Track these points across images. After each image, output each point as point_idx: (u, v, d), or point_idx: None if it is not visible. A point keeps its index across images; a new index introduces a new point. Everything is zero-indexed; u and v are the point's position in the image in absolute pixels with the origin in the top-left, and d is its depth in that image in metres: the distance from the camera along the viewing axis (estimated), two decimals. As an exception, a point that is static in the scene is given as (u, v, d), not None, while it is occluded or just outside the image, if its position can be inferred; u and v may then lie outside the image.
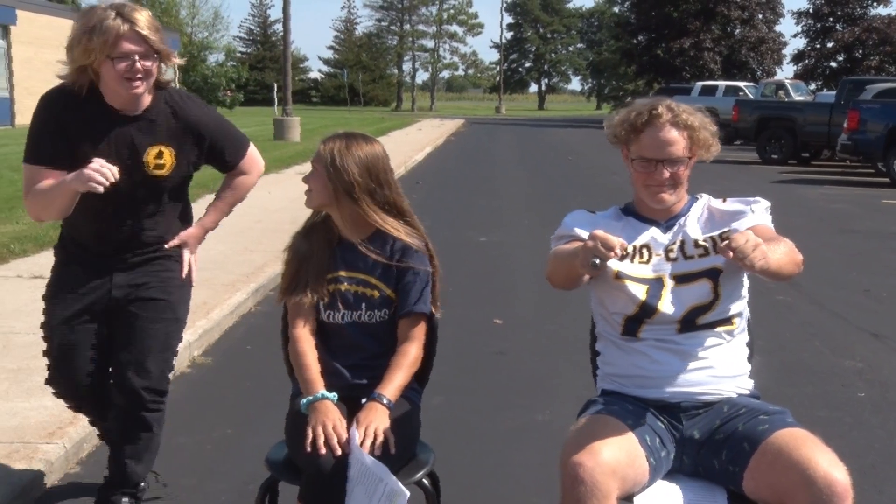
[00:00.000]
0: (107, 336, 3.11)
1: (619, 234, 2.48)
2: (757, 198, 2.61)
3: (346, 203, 2.65)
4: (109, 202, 2.89)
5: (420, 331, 2.71)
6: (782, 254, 2.37)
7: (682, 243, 2.53)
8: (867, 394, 4.89)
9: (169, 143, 2.95)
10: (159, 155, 2.93)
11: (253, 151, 3.25)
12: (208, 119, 3.08)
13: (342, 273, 2.70)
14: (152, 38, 2.77)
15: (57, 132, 2.86)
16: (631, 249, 2.50)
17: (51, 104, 2.90)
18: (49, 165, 2.86)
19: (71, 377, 3.12)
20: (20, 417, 3.97)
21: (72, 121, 2.86)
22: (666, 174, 2.49)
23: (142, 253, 3.06)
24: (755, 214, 2.54)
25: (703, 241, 2.52)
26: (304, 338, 2.67)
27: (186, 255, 3.20)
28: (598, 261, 2.19)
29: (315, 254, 2.71)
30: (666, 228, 2.56)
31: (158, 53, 2.81)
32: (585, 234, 2.52)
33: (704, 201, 2.63)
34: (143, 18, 2.77)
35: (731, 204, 2.59)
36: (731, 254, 2.19)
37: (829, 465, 2.16)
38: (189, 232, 3.20)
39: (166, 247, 3.11)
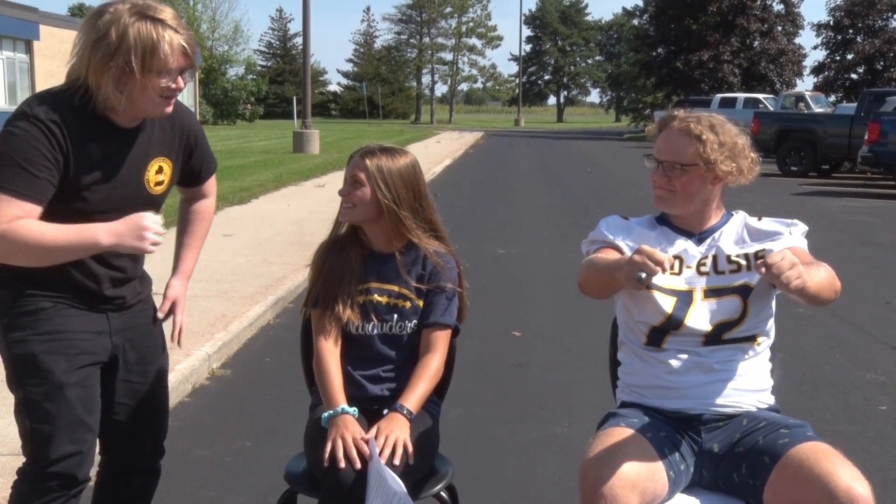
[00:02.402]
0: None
1: (652, 243, 2.48)
2: (795, 220, 2.60)
3: (389, 218, 2.67)
4: None
5: (443, 343, 2.71)
6: (822, 278, 2.34)
7: (714, 258, 2.52)
8: (889, 407, 4.84)
9: (167, 156, 2.53)
10: (159, 170, 2.51)
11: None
12: (196, 125, 2.67)
13: (374, 284, 2.70)
14: (193, 51, 2.37)
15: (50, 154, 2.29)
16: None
17: (52, 117, 2.31)
18: (34, 198, 2.27)
19: (85, 444, 2.46)
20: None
21: (70, 138, 2.33)
22: (663, 177, 2.49)
23: (132, 289, 2.58)
24: (792, 236, 2.53)
25: (737, 257, 2.50)
26: (329, 350, 2.67)
27: (180, 317, 2.73)
28: (644, 275, 2.16)
29: (346, 265, 2.71)
30: (699, 241, 2.55)
31: (194, 66, 2.41)
32: (620, 241, 2.53)
33: (741, 218, 2.61)
34: (184, 29, 2.34)
35: (767, 223, 2.58)
36: (764, 270, 2.16)
37: (850, 480, 2.14)
38: (176, 289, 2.74)
39: (159, 315, 2.68)
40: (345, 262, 2.71)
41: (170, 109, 2.40)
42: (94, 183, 2.35)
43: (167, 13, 2.30)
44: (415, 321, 2.70)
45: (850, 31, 44.67)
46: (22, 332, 2.39)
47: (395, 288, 2.70)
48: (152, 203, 2.50)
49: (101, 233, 2.29)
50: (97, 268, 2.44)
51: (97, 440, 2.53)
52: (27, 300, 2.39)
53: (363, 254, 2.73)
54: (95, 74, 2.27)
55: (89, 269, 2.43)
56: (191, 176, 2.71)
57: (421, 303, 2.70)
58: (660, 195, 2.53)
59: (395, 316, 2.69)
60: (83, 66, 2.30)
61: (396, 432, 2.47)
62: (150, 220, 2.30)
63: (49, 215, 2.30)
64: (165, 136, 2.52)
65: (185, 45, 2.31)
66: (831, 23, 45.15)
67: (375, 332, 2.69)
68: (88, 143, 2.32)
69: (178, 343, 2.73)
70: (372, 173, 2.65)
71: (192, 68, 2.37)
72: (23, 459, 2.50)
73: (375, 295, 2.69)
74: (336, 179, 16.93)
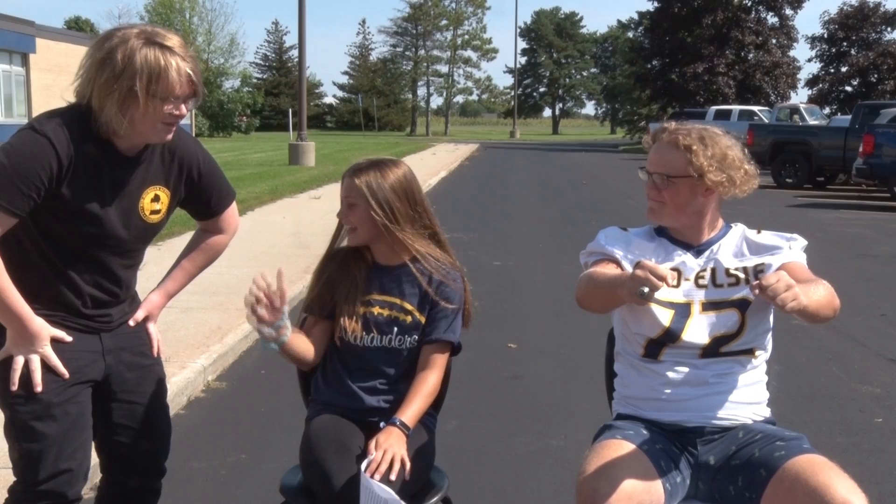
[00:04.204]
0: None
1: (651, 255, 2.49)
2: (795, 235, 2.60)
3: (390, 233, 2.66)
4: (104, 254, 2.43)
5: (442, 360, 2.70)
6: (820, 297, 2.33)
7: (713, 271, 2.51)
8: (885, 419, 4.84)
9: (165, 185, 2.49)
10: (155, 198, 2.47)
11: (234, 206, 2.78)
12: (203, 158, 2.60)
13: (375, 296, 2.70)
14: (199, 80, 2.36)
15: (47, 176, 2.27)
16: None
17: (61, 141, 2.29)
18: (12, 212, 2.25)
19: (74, 462, 2.43)
20: None
21: (74, 158, 2.30)
22: (654, 189, 2.51)
23: (120, 309, 2.55)
24: (792, 251, 2.53)
25: (736, 270, 2.50)
26: (312, 353, 2.70)
27: (153, 328, 2.66)
28: (647, 290, 2.14)
29: (348, 276, 2.71)
30: (697, 253, 2.55)
31: (199, 95, 2.39)
32: (618, 253, 2.54)
33: (740, 231, 2.61)
34: (191, 58, 2.34)
35: (767, 237, 2.58)
36: (758, 292, 2.16)
37: (847, 492, 2.14)
38: (154, 302, 2.67)
39: (130, 323, 2.58)
40: (347, 273, 2.71)
41: (170, 137, 2.39)
42: (89, 203, 2.34)
43: (175, 41, 2.31)
44: (415, 336, 2.69)
45: (844, 43, 44.90)
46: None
47: (398, 301, 2.69)
48: (148, 230, 2.50)
49: (34, 326, 2.33)
50: (83, 286, 2.42)
51: (89, 458, 2.50)
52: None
53: (367, 266, 2.73)
54: (99, 96, 2.27)
55: (76, 286, 2.41)
56: (202, 208, 2.67)
57: (423, 318, 2.69)
58: (651, 207, 2.55)
59: (396, 329, 2.68)
60: (88, 88, 2.31)
61: (394, 447, 2.46)
62: (46, 354, 2.34)
63: (44, 234, 2.33)
64: (164, 167, 2.49)
65: (192, 73, 2.31)
66: (825, 35, 45.40)
67: (374, 344, 2.68)
68: (89, 165, 2.32)
69: (154, 353, 2.66)
70: (363, 193, 2.65)
71: (196, 97, 2.37)
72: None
73: (377, 307, 2.68)
74: (331, 192, 16.94)
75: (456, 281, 2.72)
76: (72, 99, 2.37)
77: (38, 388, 2.34)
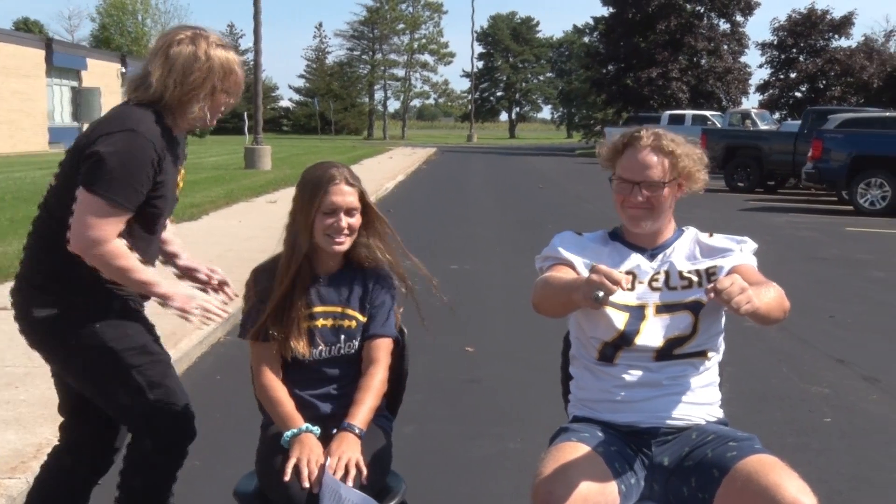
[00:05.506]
0: None
1: (605, 258, 2.51)
2: (745, 238, 2.65)
3: (374, 229, 2.68)
4: (157, 234, 2.78)
5: (385, 355, 2.69)
6: (771, 298, 2.37)
7: (667, 273, 2.54)
8: (834, 419, 4.94)
9: (183, 163, 2.86)
10: (181, 177, 2.86)
11: None
12: None
13: (317, 309, 2.66)
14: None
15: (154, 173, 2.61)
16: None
17: (156, 138, 2.61)
18: (131, 209, 2.59)
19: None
20: (-17, 451, 3.90)
21: (162, 152, 2.63)
22: (641, 197, 2.51)
23: None
24: (743, 253, 2.57)
25: (689, 272, 2.54)
26: (273, 380, 2.63)
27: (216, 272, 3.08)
28: (602, 294, 2.15)
29: (287, 294, 2.63)
30: (651, 257, 2.58)
31: None
32: (573, 257, 2.55)
33: (692, 234, 2.65)
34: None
35: (718, 239, 2.62)
36: (713, 295, 2.19)
37: (797, 492, 2.18)
38: (194, 262, 3.08)
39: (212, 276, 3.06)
40: (287, 290, 2.63)
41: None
42: (164, 188, 2.66)
43: (228, 42, 2.75)
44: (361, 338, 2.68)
45: (794, 50, 45.75)
46: (121, 328, 2.70)
47: (339, 309, 2.67)
48: (175, 206, 2.84)
49: (166, 284, 2.68)
50: (152, 262, 2.80)
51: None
52: (114, 301, 2.70)
53: (305, 279, 2.66)
54: (182, 95, 2.63)
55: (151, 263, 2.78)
56: None
57: (364, 318, 2.68)
58: (635, 214, 2.54)
59: (343, 337, 2.66)
60: (165, 87, 2.62)
61: (348, 452, 2.46)
62: (207, 301, 2.70)
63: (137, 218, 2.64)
64: (182, 147, 2.87)
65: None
66: (775, 42, 46.22)
67: (323, 356, 2.66)
68: (168, 156, 2.66)
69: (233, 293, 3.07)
70: (362, 191, 2.66)
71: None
72: None
73: (320, 320, 2.65)
74: (288, 195, 16.72)
75: (388, 277, 2.72)
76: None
77: (224, 314, 2.76)
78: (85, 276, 2.60)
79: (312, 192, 2.58)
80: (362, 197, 2.65)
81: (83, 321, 2.65)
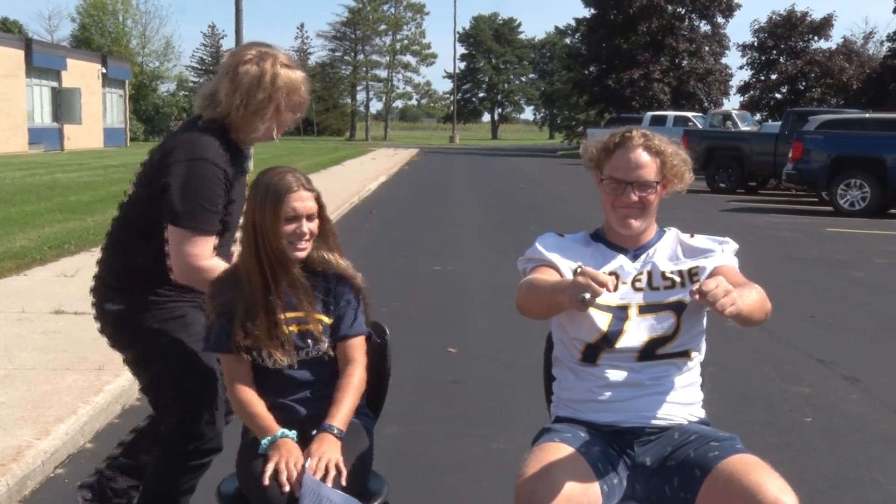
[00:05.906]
0: None
1: (588, 259, 2.52)
2: (727, 238, 2.66)
3: (327, 235, 2.66)
4: (234, 236, 2.87)
5: (360, 353, 2.68)
6: (753, 300, 2.38)
7: (649, 274, 2.55)
8: (815, 419, 4.97)
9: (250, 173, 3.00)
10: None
11: None
12: None
13: (281, 316, 2.61)
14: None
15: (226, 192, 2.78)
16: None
17: (223, 160, 2.75)
18: (216, 232, 2.76)
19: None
20: (-38, 454, 3.85)
21: (231, 173, 2.79)
22: (634, 197, 2.52)
23: None
24: (724, 254, 2.58)
25: (671, 273, 2.55)
26: (244, 390, 2.60)
27: None
28: (588, 296, 2.15)
29: (255, 303, 2.60)
30: (634, 257, 2.59)
31: None
32: (556, 259, 2.55)
33: (674, 234, 2.66)
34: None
35: (700, 240, 2.63)
36: (697, 297, 2.19)
37: (778, 491, 2.19)
38: None
39: None
40: (255, 301, 2.60)
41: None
42: (235, 204, 2.81)
43: (295, 62, 2.84)
44: (329, 340, 2.67)
45: (774, 52, 46.13)
46: (179, 332, 2.83)
47: (303, 314, 2.63)
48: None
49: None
50: None
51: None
52: (177, 305, 2.84)
53: (270, 288, 2.60)
54: (249, 114, 2.75)
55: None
56: None
57: (330, 320, 2.66)
58: (628, 214, 2.54)
59: (311, 342, 2.64)
60: (231, 106, 2.74)
61: (328, 453, 2.45)
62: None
63: None
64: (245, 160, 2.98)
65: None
66: (756, 44, 46.57)
67: (294, 360, 2.64)
68: (236, 173, 2.80)
69: None
70: (319, 196, 2.65)
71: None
72: None
73: (285, 327, 2.62)
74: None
75: (348, 275, 2.69)
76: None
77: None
78: (150, 280, 2.79)
79: (274, 200, 2.56)
80: (318, 202, 2.65)
81: (147, 320, 2.82)
